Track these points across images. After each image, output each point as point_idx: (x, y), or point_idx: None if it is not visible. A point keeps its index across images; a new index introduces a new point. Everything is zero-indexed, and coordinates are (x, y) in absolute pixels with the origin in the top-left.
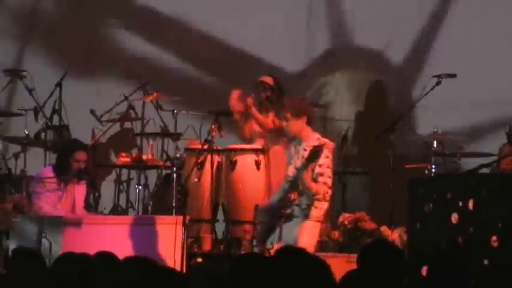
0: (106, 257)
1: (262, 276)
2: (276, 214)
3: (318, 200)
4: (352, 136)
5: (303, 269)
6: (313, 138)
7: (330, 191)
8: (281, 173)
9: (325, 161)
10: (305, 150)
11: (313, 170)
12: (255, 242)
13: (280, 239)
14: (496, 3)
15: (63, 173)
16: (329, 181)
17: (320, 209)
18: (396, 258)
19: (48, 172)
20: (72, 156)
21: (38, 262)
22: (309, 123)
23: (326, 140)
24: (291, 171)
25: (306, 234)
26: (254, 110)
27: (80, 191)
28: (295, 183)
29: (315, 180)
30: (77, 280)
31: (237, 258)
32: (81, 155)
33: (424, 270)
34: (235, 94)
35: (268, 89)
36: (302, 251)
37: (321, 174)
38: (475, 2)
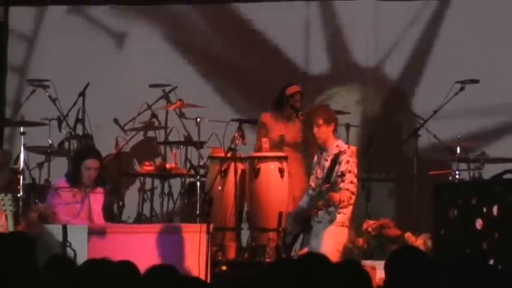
0: (126, 266)
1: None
2: (300, 222)
3: (343, 207)
4: (376, 143)
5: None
6: (334, 147)
7: (353, 196)
8: (299, 181)
9: (346, 166)
10: (326, 160)
11: (337, 177)
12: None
13: (302, 246)
14: None
15: (76, 181)
16: (351, 187)
17: (344, 214)
18: (424, 265)
19: (62, 183)
20: (82, 164)
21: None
22: (335, 130)
23: (345, 146)
24: (313, 180)
25: (331, 240)
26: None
27: (96, 199)
28: (319, 195)
29: (335, 186)
30: (101, 286)
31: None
32: (91, 163)
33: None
34: (265, 143)
35: (301, 97)
36: (326, 258)
37: (342, 181)
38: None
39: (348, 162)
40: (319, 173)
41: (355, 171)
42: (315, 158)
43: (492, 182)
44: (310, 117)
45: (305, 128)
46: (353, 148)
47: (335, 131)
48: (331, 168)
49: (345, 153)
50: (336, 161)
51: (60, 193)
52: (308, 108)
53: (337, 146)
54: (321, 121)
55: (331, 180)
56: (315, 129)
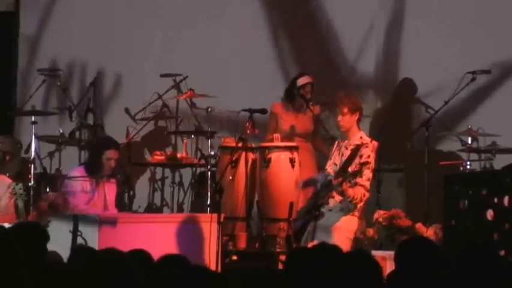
0: (140, 255)
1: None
2: (308, 212)
3: (355, 204)
4: (386, 133)
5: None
6: (356, 137)
7: (367, 194)
8: (310, 171)
9: (366, 161)
10: (346, 149)
11: (354, 170)
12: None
13: (313, 234)
14: None
15: (96, 171)
16: (367, 184)
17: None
18: (434, 255)
19: (80, 172)
20: (104, 154)
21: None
22: (359, 120)
23: (368, 140)
24: (330, 165)
25: (341, 228)
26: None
27: (110, 189)
28: (330, 187)
29: (349, 177)
30: (112, 275)
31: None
32: (113, 153)
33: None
34: (277, 139)
35: (312, 88)
36: (336, 248)
37: (360, 176)
38: None
39: (368, 156)
40: (337, 159)
41: (373, 167)
42: (335, 144)
43: (503, 172)
44: (335, 104)
45: (318, 117)
46: (375, 143)
47: (359, 120)
48: (350, 159)
49: (367, 147)
50: (356, 152)
51: (76, 181)
52: (334, 95)
53: (361, 137)
54: (346, 109)
55: (347, 169)
56: (339, 117)
